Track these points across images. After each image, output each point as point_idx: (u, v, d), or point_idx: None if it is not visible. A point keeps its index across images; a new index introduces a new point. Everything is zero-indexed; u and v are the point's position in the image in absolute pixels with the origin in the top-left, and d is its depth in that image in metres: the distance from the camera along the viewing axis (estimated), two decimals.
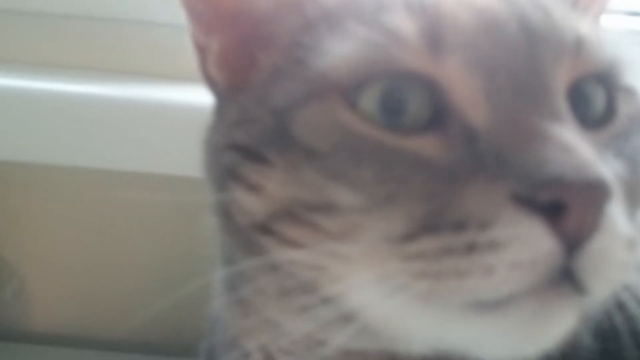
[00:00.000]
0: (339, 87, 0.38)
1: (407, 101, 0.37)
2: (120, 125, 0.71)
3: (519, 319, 0.34)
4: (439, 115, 0.37)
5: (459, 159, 0.36)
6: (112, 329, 0.82)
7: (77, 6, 0.79)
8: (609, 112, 0.40)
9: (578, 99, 0.38)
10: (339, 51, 0.38)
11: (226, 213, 0.42)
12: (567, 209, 0.32)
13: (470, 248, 0.33)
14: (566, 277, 0.33)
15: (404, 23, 0.37)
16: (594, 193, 0.33)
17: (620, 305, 0.38)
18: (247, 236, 0.41)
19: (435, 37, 0.37)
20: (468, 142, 0.36)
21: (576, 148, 0.33)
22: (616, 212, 0.34)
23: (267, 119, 0.40)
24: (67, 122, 0.72)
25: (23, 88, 0.73)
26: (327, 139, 0.38)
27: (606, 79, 0.40)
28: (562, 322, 0.35)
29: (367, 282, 0.36)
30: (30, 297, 0.84)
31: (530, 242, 0.33)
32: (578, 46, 0.39)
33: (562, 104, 0.36)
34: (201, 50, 0.46)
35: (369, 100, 0.37)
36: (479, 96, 0.36)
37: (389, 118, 0.37)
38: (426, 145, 0.36)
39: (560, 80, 0.37)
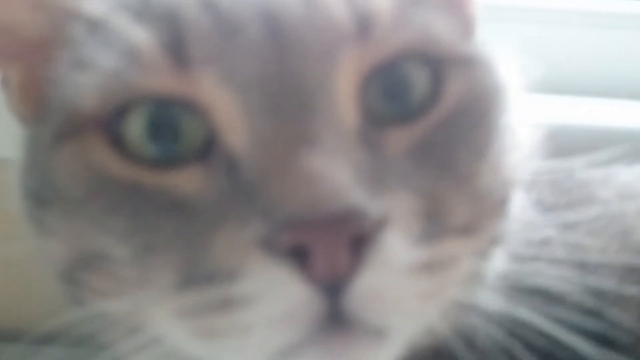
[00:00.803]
0: (96, 121, 0.33)
1: (177, 126, 0.32)
2: None
3: None
4: (208, 143, 0.32)
5: (217, 196, 0.31)
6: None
7: None
8: (435, 96, 0.34)
9: (390, 87, 0.33)
10: (85, 79, 0.33)
11: (44, 261, 0.38)
12: (311, 253, 0.28)
13: (225, 304, 0.30)
14: (344, 322, 0.30)
15: (143, 36, 0.32)
16: (342, 229, 0.28)
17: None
18: (62, 286, 0.37)
19: (178, 49, 0.32)
20: (228, 174, 0.31)
21: (323, 176, 0.29)
22: (393, 240, 0.30)
23: (40, 160, 0.36)
24: None
25: None
26: (80, 183, 0.34)
27: (429, 55, 0.34)
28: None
29: (164, 321, 0.33)
30: None
31: (282, 293, 0.29)
32: (366, 30, 0.32)
33: (326, 116, 0.31)
34: (4, 82, 0.40)
35: (133, 132, 0.33)
36: (235, 115, 0.32)
37: (160, 148, 0.33)
38: (186, 180, 0.32)
39: (343, 77, 0.32)
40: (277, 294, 0.29)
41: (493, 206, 0.35)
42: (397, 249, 0.30)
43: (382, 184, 0.30)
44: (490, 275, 0.38)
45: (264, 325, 0.30)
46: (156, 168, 0.33)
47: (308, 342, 0.30)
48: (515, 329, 0.37)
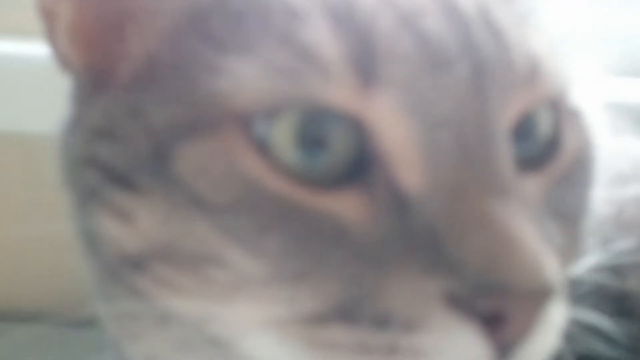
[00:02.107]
0: (241, 117, 0.30)
1: (329, 138, 0.29)
2: None
3: None
4: (363, 163, 0.30)
5: (385, 228, 0.29)
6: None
7: None
8: (555, 142, 0.34)
9: (523, 131, 0.32)
10: (241, 70, 0.29)
11: (90, 236, 0.34)
12: (507, 319, 0.28)
13: (392, 350, 0.28)
14: None
15: (327, 42, 0.29)
16: (539, 300, 0.28)
17: None
18: (115, 268, 0.33)
19: (366, 64, 0.29)
20: (396, 208, 0.29)
21: (525, 242, 0.28)
22: (555, 307, 0.30)
23: (141, 139, 0.31)
24: None
25: None
26: (220, 188, 0.30)
27: (554, 102, 0.34)
28: None
29: (266, 343, 0.31)
30: None
31: (462, 351, 0.28)
32: (533, 74, 0.32)
33: (506, 161, 0.30)
34: (47, 13, 0.35)
35: (282, 136, 0.29)
36: (414, 151, 0.29)
37: (307, 158, 0.29)
38: (347, 203, 0.29)
39: (506, 120, 0.31)
40: (457, 351, 0.28)
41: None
42: (558, 312, 0.31)
43: (546, 243, 0.30)
44: None
45: None
46: (311, 186, 0.29)
47: None
48: None
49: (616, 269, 0.40)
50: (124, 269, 0.33)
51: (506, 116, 0.31)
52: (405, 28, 0.30)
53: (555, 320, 0.31)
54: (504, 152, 0.30)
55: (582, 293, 0.37)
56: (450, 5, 0.31)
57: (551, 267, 0.29)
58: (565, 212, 0.33)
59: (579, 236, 0.35)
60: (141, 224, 0.31)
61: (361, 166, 0.30)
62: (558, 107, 0.34)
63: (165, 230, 0.31)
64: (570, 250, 0.34)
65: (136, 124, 0.32)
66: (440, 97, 0.29)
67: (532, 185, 0.32)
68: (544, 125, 0.33)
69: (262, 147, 0.29)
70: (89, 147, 0.34)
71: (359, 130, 0.29)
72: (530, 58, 0.32)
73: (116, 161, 0.32)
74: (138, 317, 0.34)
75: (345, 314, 0.29)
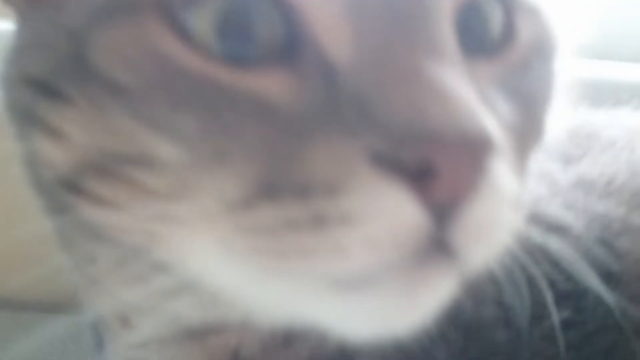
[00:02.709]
0: (161, 2, 0.29)
1: (253, 24, 0.28)
2: None
3: (384, 298, 0.28)
4: (294, 45, 0.29)
5: (311, 104, 0.28)
6: None
7: None
8: (508, 33, 0.34)
9: (471, 19, 0.32)
10: None
11: (30, 164, 0.34)
12: (437, 172, 0.25)
13: (318, 222, 0.26)
14: (439, 250, 0.27)
15: None
16: (472, 152, 0.26)
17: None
18: (54, 193, 0.33)
19: None
20: (325, 82, 0.28)
21: (457, 94, 0.26)
22: (501, 170, 0.27)
23: (62, 43, 0.31)
24: None
25: None
26: (137, 71, 0.29)
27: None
28: (435, 296, 0.29)
29: (205, 249, 0.29)
30: None
31: (390, 214, 0.26)
32: None
33: (446, 33, 0.29)
34: None
35: (203, 21, 0.29)
36: (341, 20, 0.28)
37: (229, 45, 0.29)
38: (272, 84, 0.28)
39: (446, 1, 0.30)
40: (385, 214, 0.26)
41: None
42: (505, 178, 0.28)
43: (487, 112, 0.28)
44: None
45: (361, 245, 0.26)
46: (233, 65, 0.29)
47: (401, 268, 0.27)
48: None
49: (607, 235, 0.39)
50: (60, 191, 0.32)
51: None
52: None
53: (504, 192, 0.28)
54: (442, 25, 0.29)
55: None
56: None
57: (489, 123, 0.26)
58: (524, 95, 0.33)
59: (540, 121, 0.34)
60: (71, 137, 0.31)
61: (289, 46, 0.29)
62: (506, 2, 0.34)
63: (93, 138, 0.30)
64: (530, 133, 0.33)
65: (57, 28, 0.32)
66: None
67: (484, 71, 0.31)
68: (495, 17, 0.33)
69: (182, 31, 0.29)
70: (20, 66, 0.34)
71: (285, 10, 0.29)
72: None
73: (42, 72, 0.32)
74: (95, 258, 0.34)
75: (270, 192, 0.27)
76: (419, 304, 0.28)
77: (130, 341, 0.39)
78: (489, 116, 0.27)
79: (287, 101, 0.28)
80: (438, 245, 0.27)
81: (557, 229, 0.37)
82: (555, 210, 0.39)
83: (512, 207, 0.29)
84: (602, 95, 0.48)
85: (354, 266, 0.27)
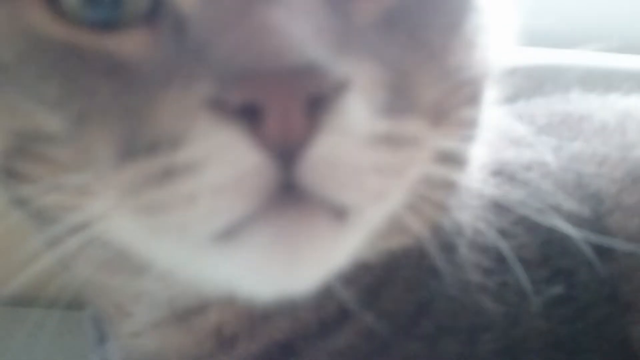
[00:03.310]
0: None
1: None
2: None
3: (260, 249, 0.27)
4: (156, 6, 0.29)
5: (162, 60, 0.28)
6: None
7: None
8: None
9: None
10: None
11: None
12: (265, 110, 0.25)
13: (168, 174, 0.27)
14: (299, 194, 0.26)
15: None
16: (298, 86, 0.25)
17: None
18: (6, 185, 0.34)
19: None
20: (176, 35, 0.28)
21: (281, 29, 0.26)
22: (354, 107, 0.26)
23: None
24: None
25: None
26: (14, 47, 0.30)
27: None
28: (321, 249, 0.28)
29: (108, 213, 0.29)
30: None
31: (230, 159, 0.26)
32: None
33: None
34: None
35: None
36: None
37: (97, 13, 0.29)
38: (131, 45, 0.29)
39: None
40: (225, 160, 0.26)
41: (466, 90, 0.33)
42: (357, 116, 0.27)
43: (347, 48, 0.28)
44: (474, 165, 0.36)
45: (210, 194, 0.26)
46: (97, 31, 0.30)
47: (259, 216, 0.27)
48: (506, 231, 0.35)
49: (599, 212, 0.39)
50: (6, 180, 0.33)
51: None
52: None
53: (359, 130, 0.27)
54: None
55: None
56: None
57: (327, 57, 0.26)
58: (418, 26, 0.31)
59: (443, 54, 0.32)
60: None
61: (152, 8, 0.29)
62: None
63: (3, 122, 0.32)
64: (423, 64, 0.31)
65: None
66: None
67: (365, 5, 0.30)
68: None
69: (53, 3, 0.30)
70: None
71: None
72: None
73: None
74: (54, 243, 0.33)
75: (131, 151, 0.28)
76: (303, 256, 0.27)
77: (128, 331, 0.39)
78: (338, 53, 0.27)
79: (142, 59, 0.29)
80: (294, 190, 0.26)
81: (550, 207, 0.37)
82: (548, 189, 0.39)
83: (375, 144, 0.28)
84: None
85: (208, 216, 0.27)
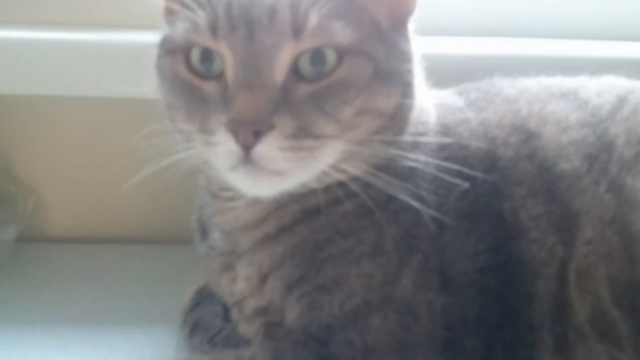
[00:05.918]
0: (180, 48, 0.61)
1: (213, 60, 0.60)
2: (124, 59, 0.84)
3: (243, 176, 0.59)
4: (221, 74, 0.60)
5: (217, 98, 0.59)
6: (115, 228, 1.03)
7: None
8: (335, 69, 0.59)
9: (315, 60, 0.58)
10: (180, 27, 0.61)
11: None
12: (239, 132, 0.56)
13: (208, 143, 0.59)
14: (254, 163, 0.57)
15: (200, 16, 0.59)
16: (252, 126, 0.56)
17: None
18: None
19: (215, 23, 0.58)
20: (223, 90, 0.59)
21: (256, 102, 0.56)
22: (275, 135, 0.56)
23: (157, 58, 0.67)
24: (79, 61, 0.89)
25: (32, 39, 0.89)
26: (168, 79, 0.63)
27: (338, 47, 0.58)
28: (271, 182, 0.60)
29: (196, 148, 0.62)
30: (46, 208, 1.02)
31: (227, 143, 0.57)
32: (299, 31, 0.57)
33: (267, 74, 0.57)
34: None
35: (194, 57, 0.61)
36: (232, 62, 0.58)
37: (203, 69, 0.61)
38: (209, 87, 0.60)
39: (283, 55, 0.57)
40: (226, 145, 0.57)
41: (361, 122, 0.61)
42: (275, 137, 0.56)
43: (279, 111, 0.57)
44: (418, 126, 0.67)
45: (222, 154, 0.58)
46: (201, 78, 0.60)
47: (239, 166, 0.58)
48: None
49: (493, 146, 0.69)
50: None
51: (282, 53, 0.57)
52: (228, 7, 0.59)
53: (278, 145, 0.57)
54: (268, 69, 0.57)
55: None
56: None
57: (269, 116, 0.57)
58: (322, 108, 0.59)
59: (336, 112, 0.59)
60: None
61: (219, 74, 0.60)
62: (341, 50, 0.58)
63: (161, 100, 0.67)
64: (320, 118, 0.59)
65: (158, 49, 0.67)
66: (238, 42, 0.58)
67: (302, 89, 0.58)
68: (330, 59, 0.59)
69: (188, 62, 0.62)
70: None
71: (218, 56, 0.59)
72: (296, 23, 0.57)
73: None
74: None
75: (200, 130, 0.60)
76: (259, 184, 0.60)
77: (229, 205, 0.70)
78: (276, 112, 0.56)
79: (211, 95, 0.61)
80: (251, 161, 0.57)
81: (465, 146, 0.67)
82: (466, 136, 0.68)
83: (286, 151, 0.57)
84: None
85: (220, 161, 0.59)
